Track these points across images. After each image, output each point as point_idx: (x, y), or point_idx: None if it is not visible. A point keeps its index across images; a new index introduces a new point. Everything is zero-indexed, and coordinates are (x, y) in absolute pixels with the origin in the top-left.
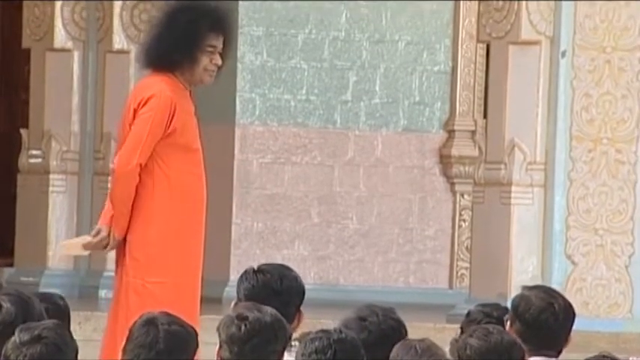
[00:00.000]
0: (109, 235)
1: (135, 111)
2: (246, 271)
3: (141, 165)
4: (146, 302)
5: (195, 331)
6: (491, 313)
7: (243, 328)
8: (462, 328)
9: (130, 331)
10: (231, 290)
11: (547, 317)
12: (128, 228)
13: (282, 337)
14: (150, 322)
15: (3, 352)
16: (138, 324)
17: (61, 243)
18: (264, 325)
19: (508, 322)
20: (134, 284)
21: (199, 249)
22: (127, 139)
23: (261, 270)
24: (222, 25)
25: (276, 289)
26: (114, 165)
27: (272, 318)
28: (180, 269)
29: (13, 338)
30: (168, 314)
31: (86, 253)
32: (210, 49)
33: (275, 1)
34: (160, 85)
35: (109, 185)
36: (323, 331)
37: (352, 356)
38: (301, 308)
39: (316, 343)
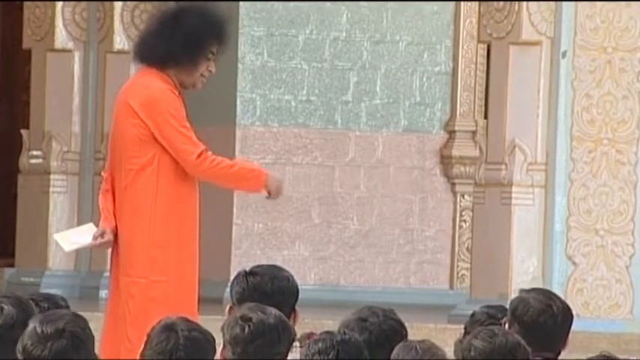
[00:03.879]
0: (111, 240)
1: (134, 111)
2: (238, 274)
3: (204, 149)
4: (148, 301)
5: (212, 337)
6: (496, 315)
7: (246, 329)
8: (465, 328)
9: (149, 336)
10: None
11: (545, 319)
12: (130, 229)
13: (285, 339)
14: (169, 328)
15: (21, 345)
16: (157, 330)
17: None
18: (268, 327)
19: (506, 325)
20: (137, 284)
21: (196, 248)
22: (174, 142)
23: (252, 272)
24: (225, 34)
25: (267, 292)
26: (194, 171)
27: (276, 320)
28: (181, 268)
29: (31, 330)
30: (187, 320)
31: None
32: (210, 55)
33: (276, 2)
34: (162, 85)
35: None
36: (327, 332)
37: (355, 357)
38: (301, 308)
39: (320, 345)
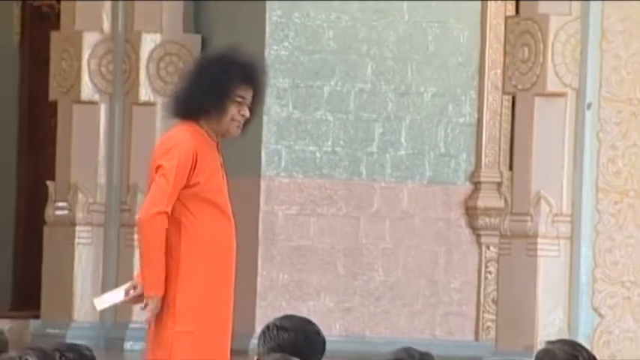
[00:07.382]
0: (141, 293)
1: (155, 166)
2: (268, 328)
3: (167, 213)
4: (174, 351)
5: None
6: None
7: None
8: None
9: None
10: (257, 342)
11: None
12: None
13: None
14: None
15: None
16: None
17: (96, 300)
18: None
19: None
20: (163, 333)
21: (228, 299)
22: (151, 188)
23: (284, 327)
24: (254, 78)
25: (301, 348)
26: (138, 215)
27: None
28: (209, 319)
29: None
30: None
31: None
32: (239, 99)
33: (301, 54)
34: (183, 136)
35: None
36: None
37: None
38: None
39: None
